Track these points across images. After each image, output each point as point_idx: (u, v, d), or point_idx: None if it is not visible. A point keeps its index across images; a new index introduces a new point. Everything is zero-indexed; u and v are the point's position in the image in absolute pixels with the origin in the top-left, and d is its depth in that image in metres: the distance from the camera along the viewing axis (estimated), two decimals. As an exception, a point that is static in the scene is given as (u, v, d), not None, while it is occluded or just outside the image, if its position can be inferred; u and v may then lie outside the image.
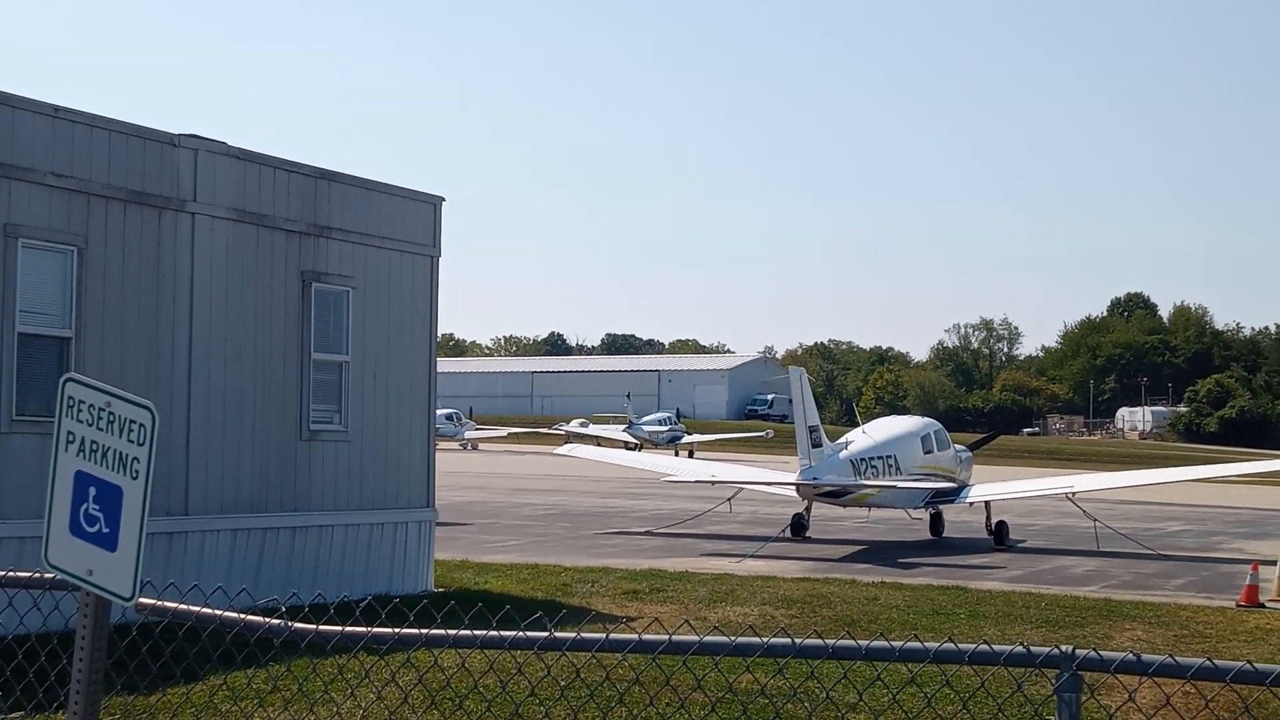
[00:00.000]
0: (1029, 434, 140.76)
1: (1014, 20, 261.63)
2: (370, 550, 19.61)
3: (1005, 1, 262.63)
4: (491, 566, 23.12)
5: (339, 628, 5.69)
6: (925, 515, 32.62)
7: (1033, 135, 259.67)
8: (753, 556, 26.09)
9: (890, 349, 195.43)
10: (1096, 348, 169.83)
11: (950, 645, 4.85)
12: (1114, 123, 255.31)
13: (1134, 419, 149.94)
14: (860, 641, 5.00)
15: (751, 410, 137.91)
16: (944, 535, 32.22)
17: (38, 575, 5.89)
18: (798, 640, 5.08)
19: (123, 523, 5.29)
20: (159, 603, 5.95)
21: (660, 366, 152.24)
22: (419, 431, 20.67)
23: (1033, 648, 4.75)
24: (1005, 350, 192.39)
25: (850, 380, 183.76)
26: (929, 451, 32.32)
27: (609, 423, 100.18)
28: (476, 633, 5.48)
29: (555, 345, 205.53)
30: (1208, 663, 4.51)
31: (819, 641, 5.01)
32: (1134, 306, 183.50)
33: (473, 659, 10.82)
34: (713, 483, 35.06)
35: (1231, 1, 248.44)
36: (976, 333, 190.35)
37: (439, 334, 21.31)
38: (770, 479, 34.85)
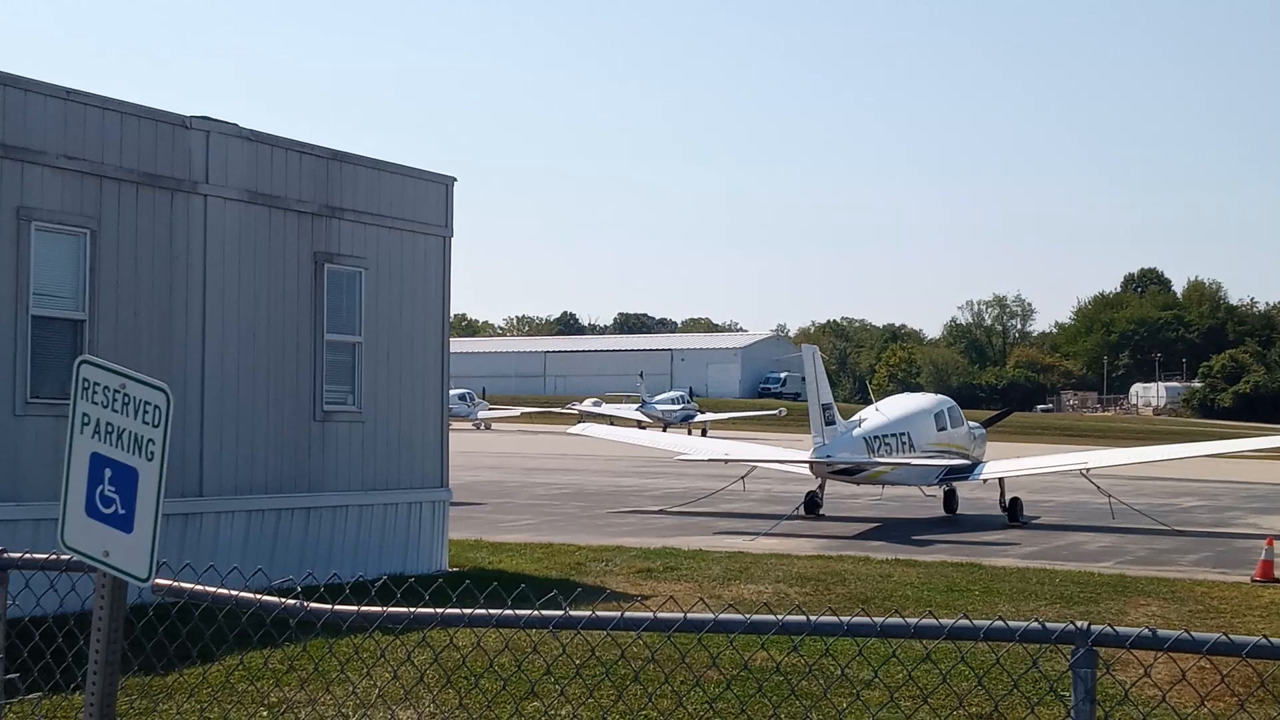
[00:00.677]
0: (1043, 410, 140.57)
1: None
2: (385, 530, 19.66)
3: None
4: (506, 546, 23.17)
5: (354, 607, 5.70)
6: (939, 492, 32.61)
7: (1046, 111, 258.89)
8: (766, 534, 26.10)
9: (903, 326, 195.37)
10: (1110, 323, 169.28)
11: (965, 622, 4.84)
12: (1127, 98, 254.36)
13: (1148, 395, 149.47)
14: (875, 619, 4.99)
15: (764, 389, 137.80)
16: (958, 512, 32.19)
17: (54, 557, 5.92)
18: (812, 618, 5.08)
19: (138, 504, 5.31)
20: (175, 583, 5.97)
21: (673, 345, 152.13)
22: (432, 412, 20.69)
23: (1048, 624, 4.75)
24: (1019, 327, 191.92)
25: (863, 358, 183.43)
26: (942, 428, 32.28)
27: (622, 402, 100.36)
28: (492, 611, 5.49)
29: (568, 325, 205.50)
30: (1223, 638, 4.50)
31: (834, 619, 5.01)
32: (1148, 282, 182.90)
33: (488, 638, 10.87)
34: (726, 461, 35.00)
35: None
36: (990, 309, 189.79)
37: (451, 314, 21.31)
38: (783, 457, 34.76)
